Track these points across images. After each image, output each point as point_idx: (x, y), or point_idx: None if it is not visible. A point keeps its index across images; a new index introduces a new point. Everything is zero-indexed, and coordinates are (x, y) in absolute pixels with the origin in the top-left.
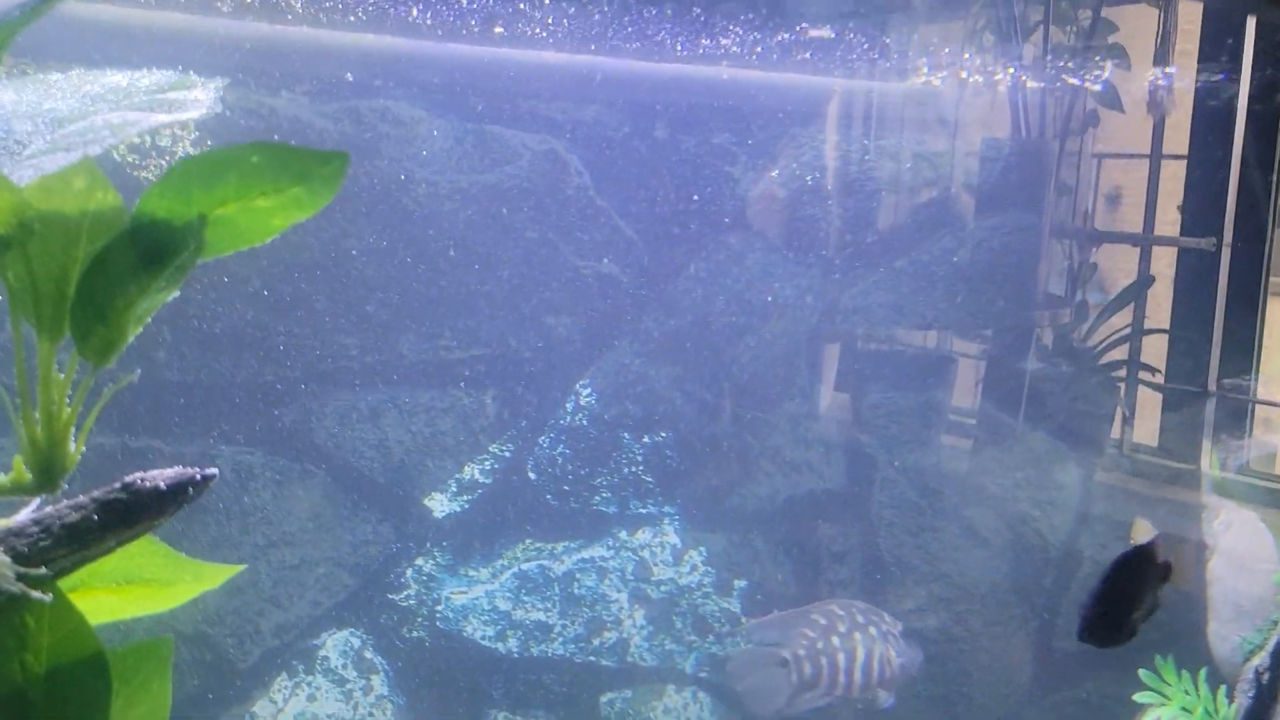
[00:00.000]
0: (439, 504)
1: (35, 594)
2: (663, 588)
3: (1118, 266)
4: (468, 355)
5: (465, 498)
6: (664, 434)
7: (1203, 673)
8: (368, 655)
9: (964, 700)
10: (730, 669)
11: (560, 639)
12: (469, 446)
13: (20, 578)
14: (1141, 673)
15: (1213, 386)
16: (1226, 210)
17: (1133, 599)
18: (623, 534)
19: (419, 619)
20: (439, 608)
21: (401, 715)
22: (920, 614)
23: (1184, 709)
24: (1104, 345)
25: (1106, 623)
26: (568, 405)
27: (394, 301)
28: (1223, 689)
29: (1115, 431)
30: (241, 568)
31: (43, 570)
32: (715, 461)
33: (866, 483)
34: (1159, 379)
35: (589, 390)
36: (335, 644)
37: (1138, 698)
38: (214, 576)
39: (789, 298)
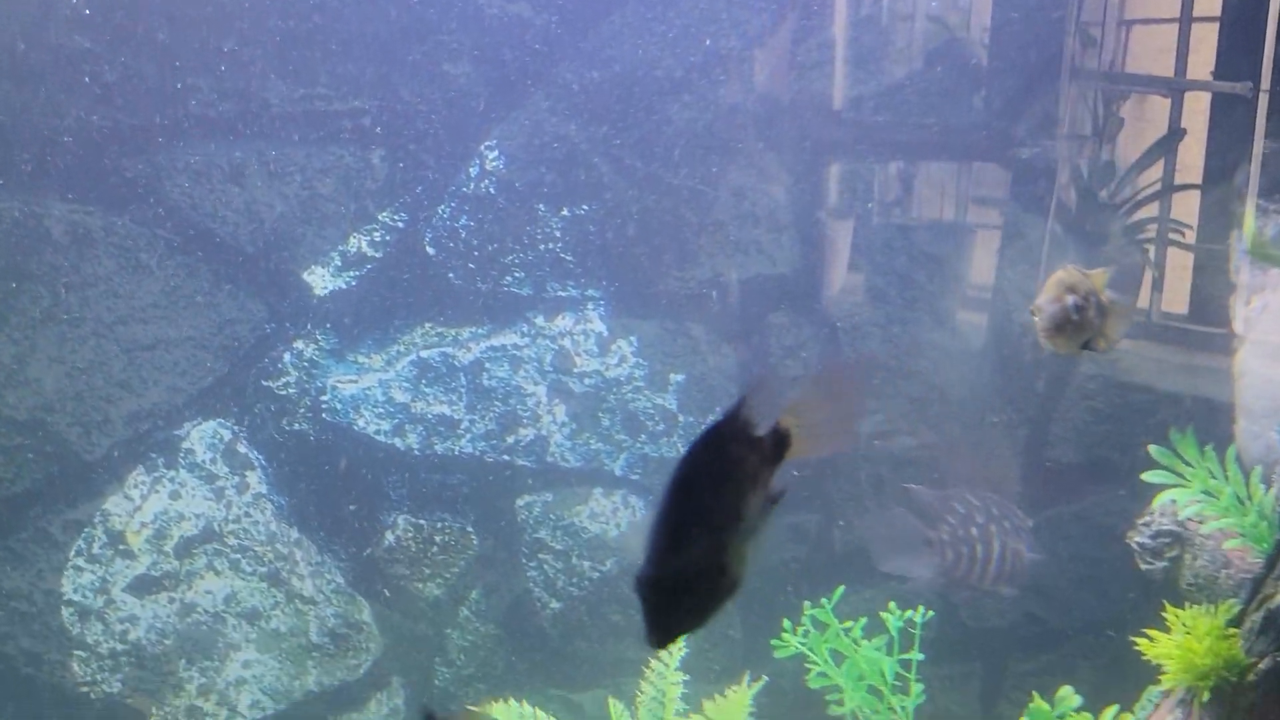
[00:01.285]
0: (320, 280)
1: None
2: (587, 381)
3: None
4: (348, 107)
5: (351, 273)
6: (587, 206)
7: (1231, 451)
8: (240, 449)
9: None
10: (870, 530)
11: (468, 435)
12: (354, 214)
13: None
14: (1152, 449)
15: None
16: (1264, 52)
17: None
18: (539, 320)
19: (300, 410)
20: (324, 398)
21: (284, 516)
22: (889, 424)
23: (1207, 493)
24: (1132, 203)
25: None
26: (471, 169)
27: (257, 38)
28: (1257, 472)
29: (1144, 298)
30: None
31: None
32: (647, 239)
33: (822, 268)
34: (1190, 239)
35: (496, 153)
36: (201, 435)
37: (1147, 477)
38: None
39: (734, 48)
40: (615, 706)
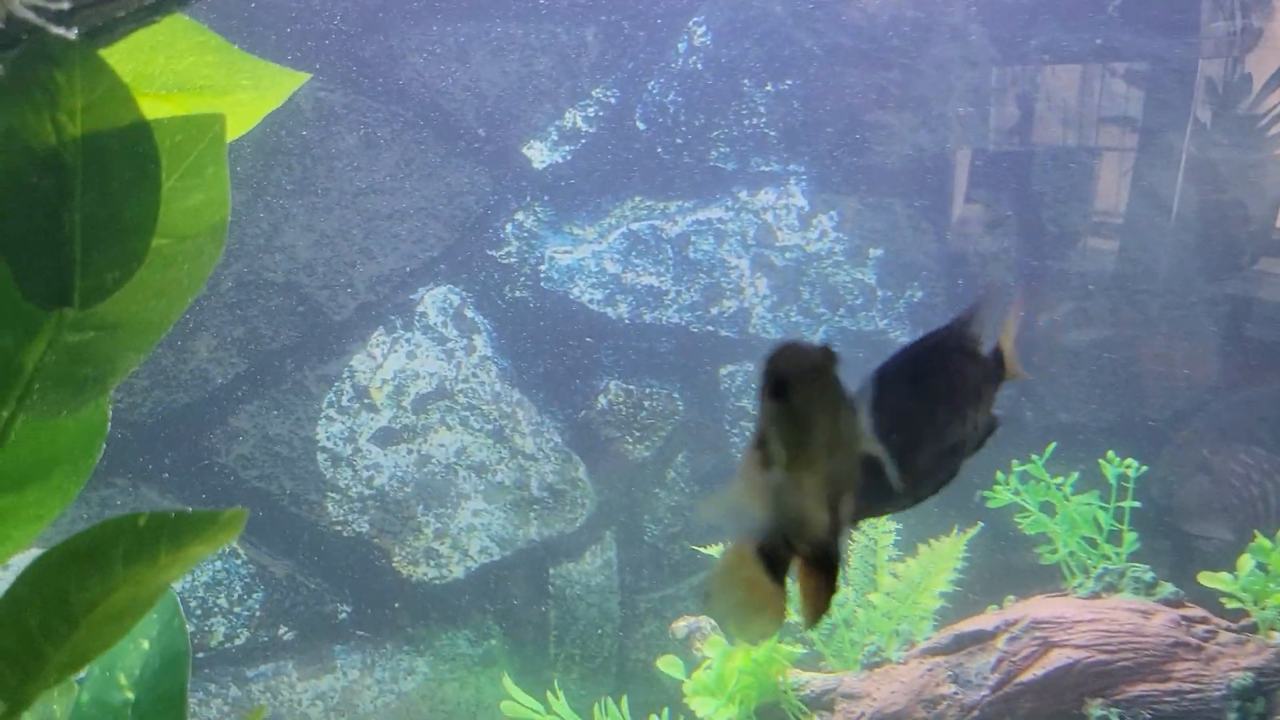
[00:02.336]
0: (538, 153)
1: (56, 29)
2: (788, 254)
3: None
4: None
5: (567, 148)
6: (791, 81)
7: None
8: (468, 314)
9: (1133, 396)
10: (1179, 498)
11: (675, 306)
12: (569, 90)
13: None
14: None
15: None
16: None
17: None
18: (743, 194)
19: (521, 278)
20: (542, 267)
21: (507, 378)
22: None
23: None
24: (1271, 118)
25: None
26: (679, 45)
27: None
28: None
29: None
30: (302, 80)
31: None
32: (850, 114)
33: (1028, 149)
34: None
35: (704, 28)
36: (433, 300)
37: None
38: (275, 83)
39: None
40: None
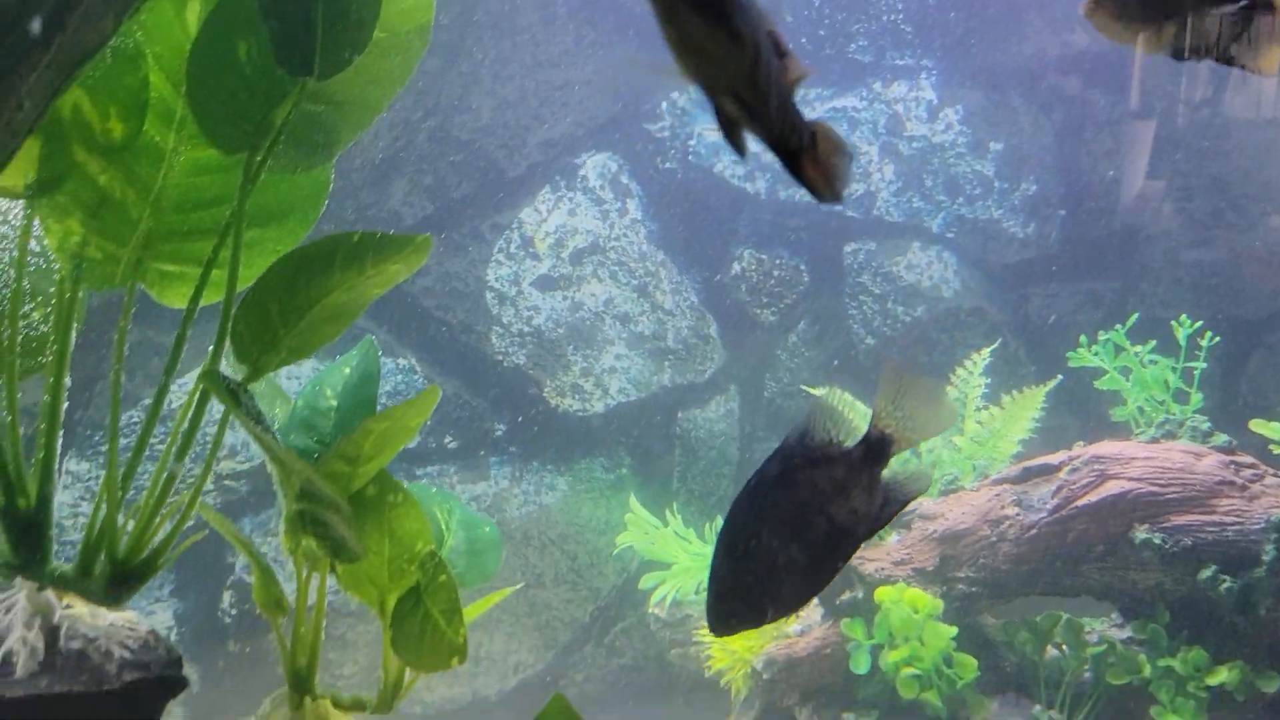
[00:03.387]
0: None
1: None
2: (914, 144)
3: None
4: None
5: None
6: None
7: None
8: (623, 180)
9: (1228, 297)
10: None
11: None
12: None
13: None
14: None
15: None
16: None
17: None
18: (877, 85)
19: (672, 150)
20: (691, 142)
21: (653, 239)
22: None
23: None
24: None
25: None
26: None
27: None
28: None
29: None
30: None
31: None
32: (980, 13)
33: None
34: None
35: None
36: (594, 165)
37: None
38: None
39: None
40: None
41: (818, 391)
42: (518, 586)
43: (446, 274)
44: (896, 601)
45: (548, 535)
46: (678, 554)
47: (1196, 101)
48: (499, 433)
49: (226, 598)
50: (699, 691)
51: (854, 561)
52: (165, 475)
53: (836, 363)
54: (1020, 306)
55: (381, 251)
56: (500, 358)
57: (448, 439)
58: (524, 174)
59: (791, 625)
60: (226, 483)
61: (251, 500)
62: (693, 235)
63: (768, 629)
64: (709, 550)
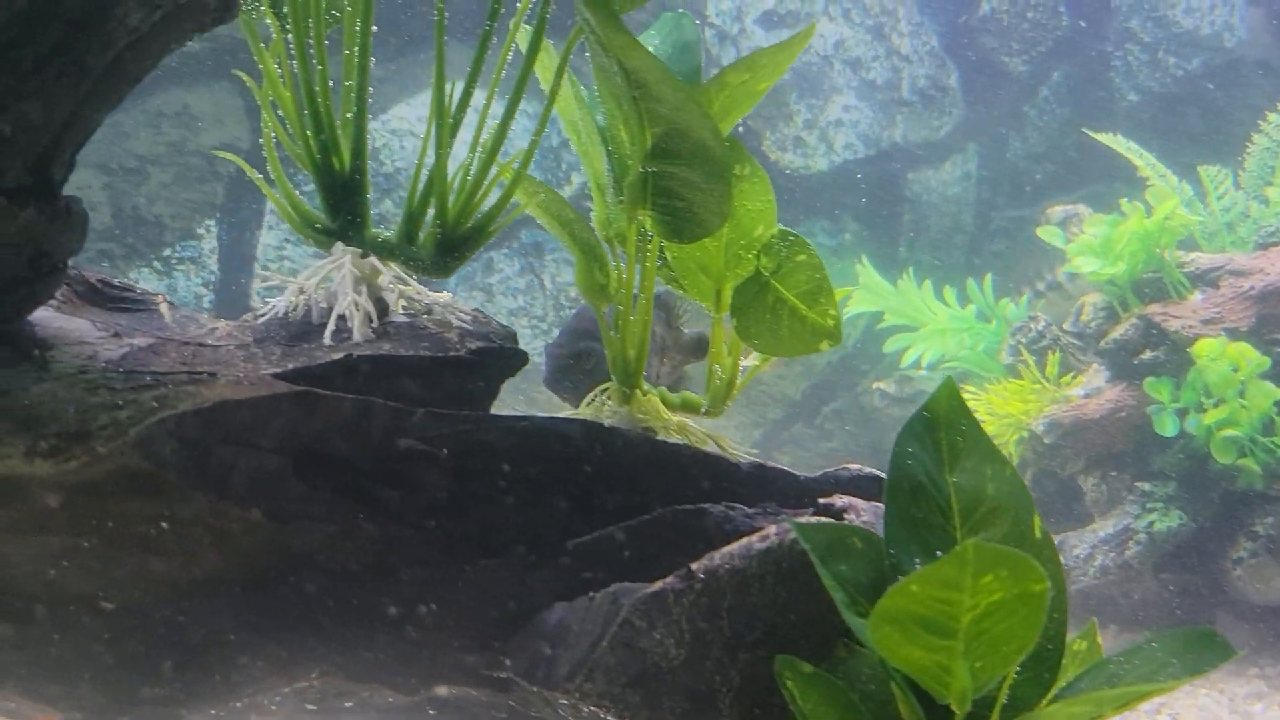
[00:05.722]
0: None
1: None
2: None
3: None
4: None
5: None
6: None
7: None
8: None
9: None
10: None
11: None
12: None
13: None
14: None
15: None
16: None
17: None
18: None
19: None
20: None
21: None
22: None
23: None
24: None
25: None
26: None
27: None
28: None
29: None
30: None
31: None
32: None
33: None
34: None
35: None
36: None
37: None
38: None
39: None
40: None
41: None
42: None
43: (660, 4)
44: (1216, 358)
45: None
46: (927, 315)
47: None
48: None
49: None
50: None
51: (1156, 318)
52: (496, 125)
53: (1089, 123)
54: None
55: None
56: None
57: None
58: None
59: (1075, 389)
60: None
61: None
62: None
63: (1046, 391)
64: (963, 313)
